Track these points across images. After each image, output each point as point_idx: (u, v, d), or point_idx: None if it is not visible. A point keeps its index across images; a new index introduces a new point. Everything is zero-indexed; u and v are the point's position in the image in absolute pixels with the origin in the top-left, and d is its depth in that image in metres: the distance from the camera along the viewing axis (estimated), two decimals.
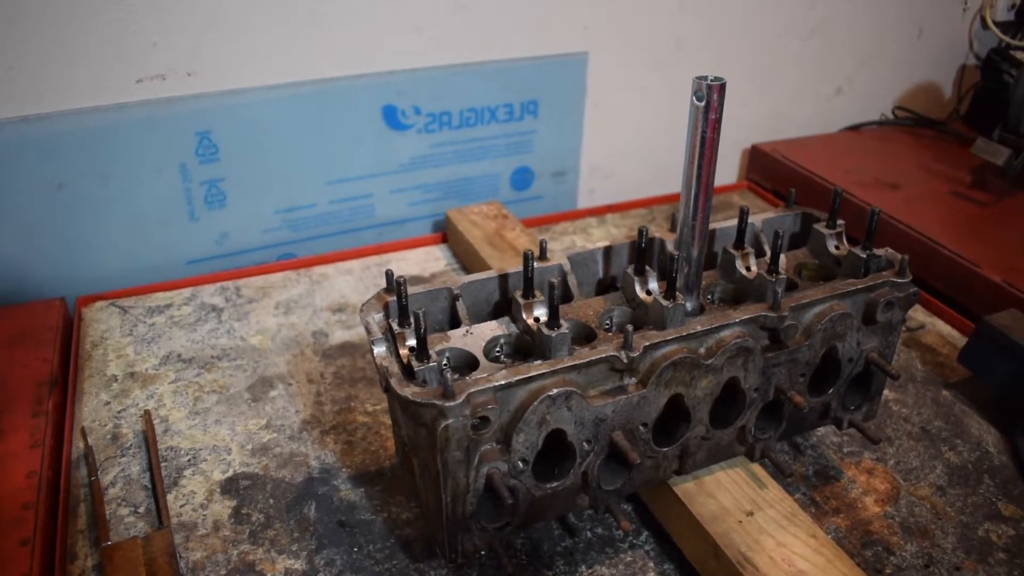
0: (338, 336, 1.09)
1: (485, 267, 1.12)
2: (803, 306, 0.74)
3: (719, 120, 0.66)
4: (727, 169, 1.65)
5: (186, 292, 1.16)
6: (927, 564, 0.80)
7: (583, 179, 1.48)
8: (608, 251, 0.82)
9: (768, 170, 1.57)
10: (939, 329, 1.16)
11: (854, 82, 1.70)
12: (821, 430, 0.95)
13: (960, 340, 1.12)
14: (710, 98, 0.65)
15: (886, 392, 1.02)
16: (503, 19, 1.27)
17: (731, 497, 0.76)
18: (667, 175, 1.46)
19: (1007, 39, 1.73)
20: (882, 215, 1.32)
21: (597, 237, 1.35)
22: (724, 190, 1.55)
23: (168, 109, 1.12)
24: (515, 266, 0.76)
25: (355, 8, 1.17)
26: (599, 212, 1.43)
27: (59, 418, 0.94)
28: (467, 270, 1.23)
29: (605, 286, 0.83)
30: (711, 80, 0.64)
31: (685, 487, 0.77)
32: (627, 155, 1.49)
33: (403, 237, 1.34)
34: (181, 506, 0.83)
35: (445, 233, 1.33)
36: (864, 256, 0.78)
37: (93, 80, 1.08)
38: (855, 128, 1.72)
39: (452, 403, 0.61)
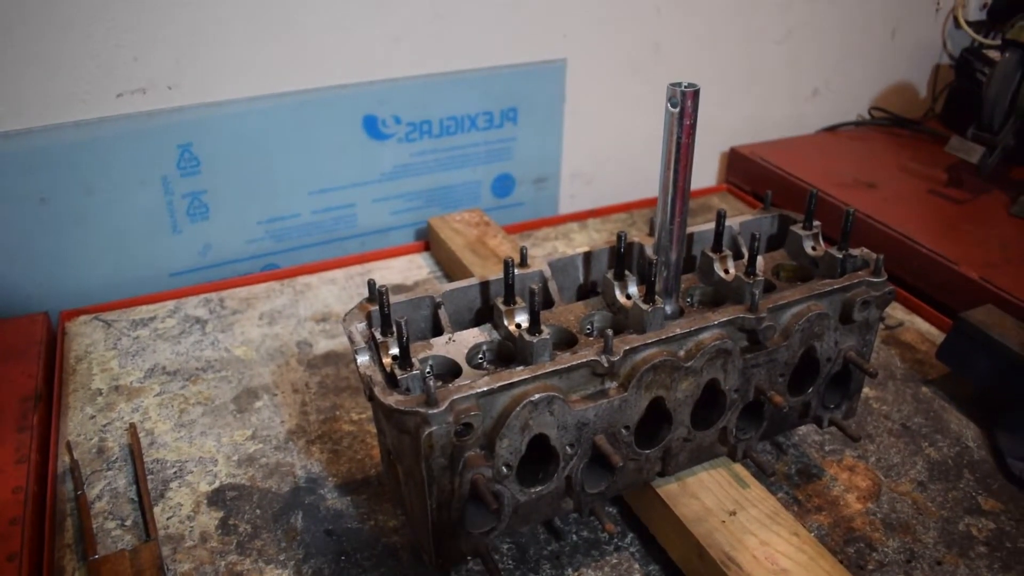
0: (322, 346, 1.09)
1: (467, 274, 1.12)
2: (780, 307, 0.75)
3: (694, 126, 0.67)
4: (707, 172, 1.67)
5: (170, 304, 1.17)
6: (909, 559, 0.81)
7: (564, 185, 1.49)
8: (588, 257, 0.83)
9: (747, 172, 1.58)
10: (918, 326, 1.17)
11: (830, 83, 1.72)
12: (803, 429, 0.96)
13: (939, 337, 1.13)
14: (684, 104, 0.66)
15: (867, 390, 1.03)
16: (481, 28, 1.28)
17: (714, 497, 0.77)
18: (647, 179, 1.48)
19: (979, 38, 1.75)
20: (860, 214, 1.34)
21: (579, 242, 1.36)
22: (704, 193, 1.57)
23: (149, 123, 1.12)
24: (497, 273, 0.77)
25: (334, 19, 1.18)
26: (580, 217, 1.44)
27: (44, 433, 0.94)
28: (450, 278, 1.23)
29: (586, 291, 0.84)
30: (685, 87, 0.65)
31: (668, 488, 0.78)
32: (607, 160, 1.51)
33: (386, 246, 1.34)
34: (168, 518, 0.83)
35: (428, 241, 1.33)
36: (840, 256, 0.79)
37: (74, 95, 1.08)
38: (832, 129, 1.74)
39: (435, 410, 0.61)
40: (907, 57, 1.80)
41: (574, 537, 0.82)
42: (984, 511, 0.87)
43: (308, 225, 1.29)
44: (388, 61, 1.24)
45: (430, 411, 0.61)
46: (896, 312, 1.20)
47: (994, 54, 1.61)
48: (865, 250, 0.82)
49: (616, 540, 0.82)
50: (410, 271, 1.27)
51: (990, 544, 0.83)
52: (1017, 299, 1.12)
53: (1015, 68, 1.36)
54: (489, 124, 1.34)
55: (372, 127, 1.26)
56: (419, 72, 1.26)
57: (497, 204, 1.43)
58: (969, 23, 1.76)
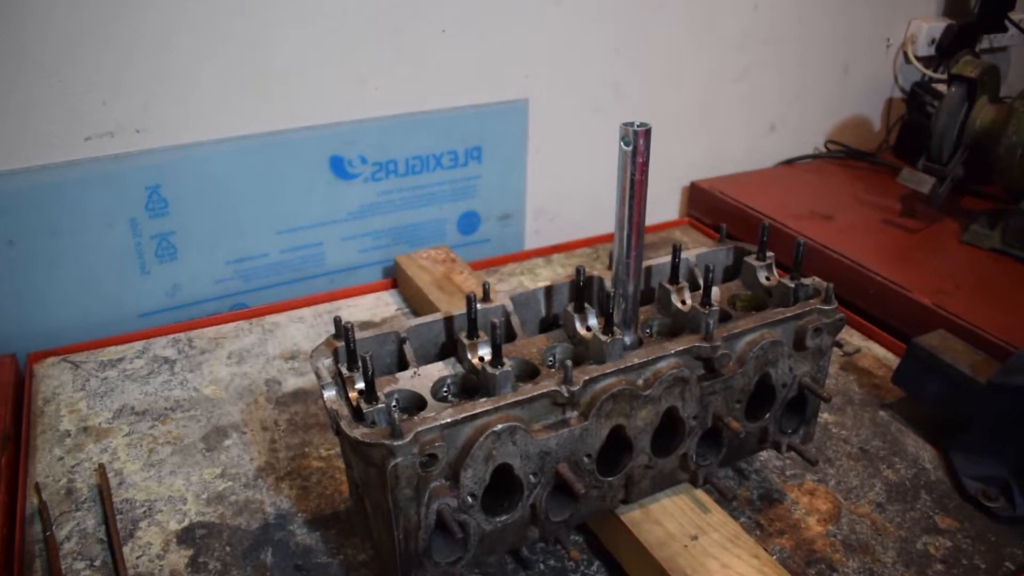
0: (291, 383, 1.10)
1: (434, 311, 1.14)
2: (735, 335, 0.77)
3: (646, 163, 0.70)
4: (668, 206, 1.70)
5: (138, 345, 1.17)
6: None
7: (529, 221, 1.52)
8: (549, 290, 0.85)
9: (707, 206, 1.62)
10: (875, 352, 1.20)
11: (787, 119, 1.76)
12: (764, 455, 0.98)
13: (895, 362, 1.16)
14: (637, 143, 0.69)
15: (826, 415, 1.06)
16: (445, 69, 1.31)
17: (676, 523, 0.79)
18: (609, 214, 1.47)
19: (928, 72, 1.81)
20: (817, 245, 1.38)
21: (544, 277, 1.39)
22: (666, 226, 1.60)
23: (117, 165, 1.13)
24: (462, 308, 0.79)
25: (300, 61, 1.20)
26: (545, 252, 1.47)
27: (12, 475, 0.94)
28: (417, 314, 1.25)
29: (548, 324, 0.86)
30: (637, 126, 0.68)
31: (632, 515, 0.80)
32: (570, 196, 1.54)
33: (354, 284, 1.36)
34: (137, 557, 0.83)
35: (395, 279, 1.35)
36: (792, 286, 0.82)
37: (42, 139, 1.09)
38: (789, 163, 1.78)
39: (400, 442, 0.63)
40: (860, 92, 1.86)
41: (541, 566, 0.83)
42: (941, 530, 0.89)
43: (276, 264, 1.31)
44: (354, 102, 1.26)
45: (395, 443, 0.63)
46: (853, 339, 1.23)
47: (943, 87, 1.67)
48: (816, 279, 0.85)
49: (583, 567, 0.84)
50: (378, 308, 1.29)
51: (947, 562, 0.85)
52: (968, 323, 1.16)
53: (960, 101, 1.41)
54: (454, 163, 1.37)
55: (339, 167, 1.28)
56: (384, 113, 1.28)
57: (463, 241, 1.45)
58: (918, 58, 1.82)
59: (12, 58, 1.03)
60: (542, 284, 0.85)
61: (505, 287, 1.32)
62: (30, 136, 1.08)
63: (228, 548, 0.85)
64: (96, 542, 0.85)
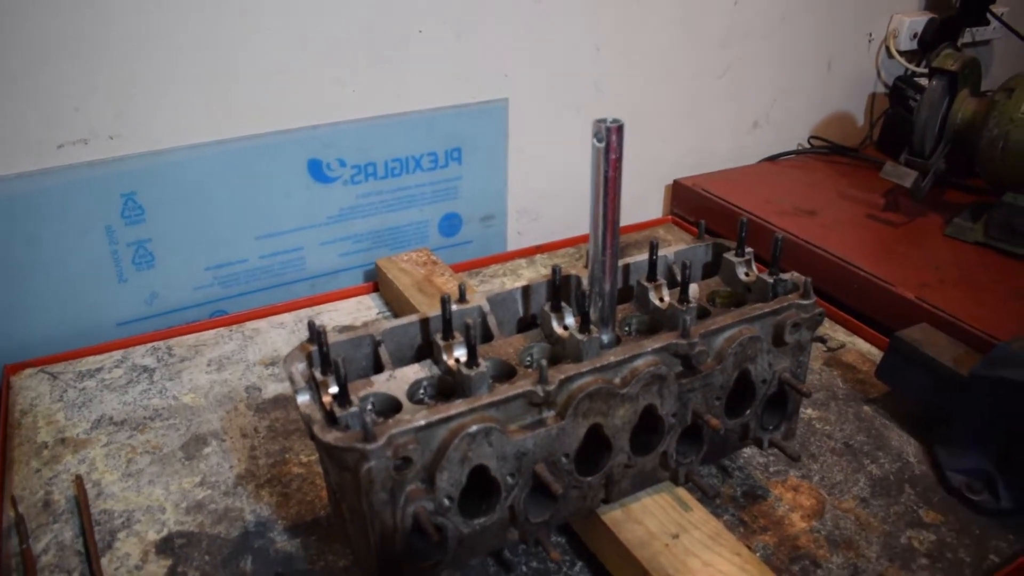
0: (271, 390, 1.09)
1: (414, 313, 1.13)
2: (713, 332, 0.77)
3: (620, 160, 0.69)
4: (652, 204, 1.70)
5: (117, 355, 1.16)
6: (853, 574, 0.82)
7: (511, 222, 1.51)
8: (527, 290, 0.85)
9: (691, 203, 1.62)
10: (859, 347, 1.20)
11: (770, 116, 1.76)
12: (748, 452, 0.97)
13: (879, 356, 1.15)
14: (609, 139, 0.68)
15: (810, 410, 1.05)
16: (423, 70, 1.31)
17: (657, 521, 0.78)
18: None
19: (911, 67, 1.81)
20: (800, 240, 1.37)
21: (527, 278, 1.38)
22: (649, 225, 1.60)
23: (92, 173, 1.12)
24: (439, 311, 0.78)
25: (276, 64, 1.19)
26: (528, 253, 1.46)
27: None
28: (399, 317, 1.24)
29: (526, 324, 0.86)
30: (610, 122, 0.68)
31: (613, 515, 0.79)
32: (552, 196, 1.53)
33: (335, 288, 1.35)
34: (116, 568, 0.82)
35: (376, 282, 1.34)
36: (771, 281, 0.82)
37: (14, 147, 1.08)
38: (773, 159, 1.78)
39: (373, 445, 0.62)
40: (843, 87, 1.86)
41: (523, 568, 0.83)
42: (925, 523, 0.89)
43: (256, 270, 1.30)
44: (331, 105, 1.25)
45: (368, 446, 0.62)
46: (837, 334, 1.23)
47: (925, 81, 1.67)
48: (795, 274, 0.84)
49: (565, 568, 0.83)
50: (359, 312, 1.28)
51: (931, 555, 0.85)
52: (952, 316, 1.16)
53: (941, 95, 1.41)
54: (434, 164, 1.36)
55: (317, 171, 1.27)
56: (362, 115, 1.28)
57: (445, 243, 1.45)
58: (901, 52, 1.82)
59: None
60: (519, 284, 0.85)
61: (487, 288, 1.31)
62: (1, 145, 1.07)
63: (207, 557, 0.84)
64: (74, 554, 0.84)
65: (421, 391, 0.74)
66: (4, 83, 1.04)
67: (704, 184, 1.61)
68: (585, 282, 0.82)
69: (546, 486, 0.70)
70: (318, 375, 0.70)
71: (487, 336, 0.81)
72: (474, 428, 0.65)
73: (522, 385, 0.69)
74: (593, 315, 0.75)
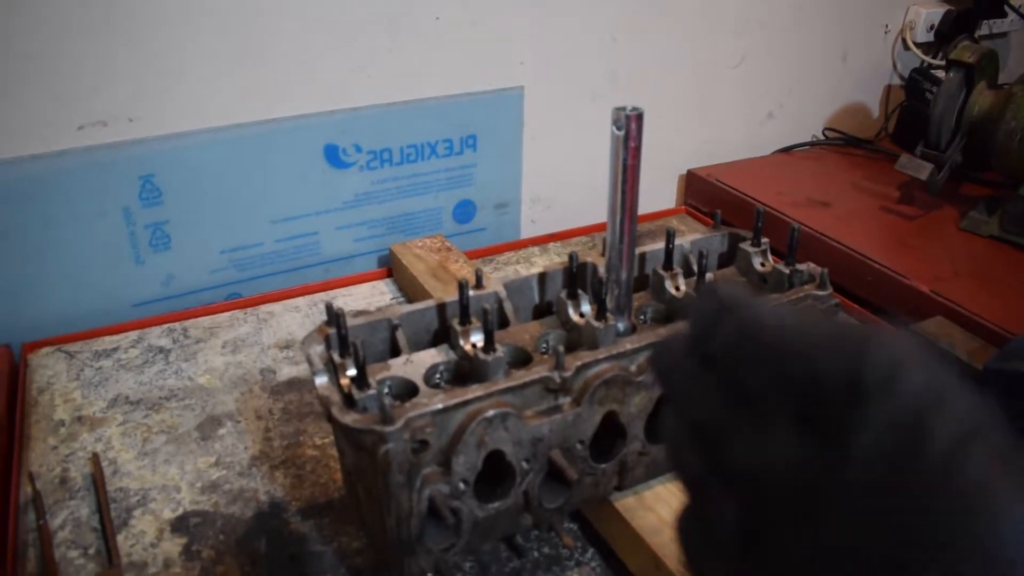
0: (286, 372, 1.10)
1: (429, 299, 1.14)
2: None
3: (639, 148, 0.69)
4: (666, 194, 1.70)
5: (133, 335, 1.17)
6: None
7: (525, 210, 1.51)
8: (543, 277, 0.85)
9: (704, 194, 1.62)
10: None
11: (784, 107, 1.76)
12: None
13: None
14: (629, 127, 0.68)
15: None
16: (440, 57, 1.31)
17: (670, 509, 0.79)
18: (606, 202, 1.50)
19: (927, 59, 1.80)
20: (815, 232, 1.37)
21: (540, 265, 1.38)
22: (663, 215, 1.59)
23: (110, 155, 1.13)
24: (455, 295, 0.79)
25: (294, 50, 1.20)
26: (542, 241, 1.46)
27: (6, 464, 0.94)
28: (412, 303, 1.25)
29: (542, 311, 0.86)
30: (630, 110, 0.68)
31: (625, 502, 0.80)
32: (567, 185, 1.53)
33: (349, 273, 1.36)
34: (131, 546, 0.83)
35: (390, 268, 1.35)
36: (787, 272, 0.82)
37: (34, 128, 1.09)
38: (787, 150, 1.78)
39: (391, 428, 0.62)
40: (859, 79, 1.85)
41: (535, 554, 0.83)
42: None
43: (271, 254, 1.30)
44: (348, 91, 1.26)
45: (386, 428, 0.62)
46: None
47: (942, 74, 1.66)
48: (811, 265, 0.84)
49: (577, 555, 0.83)
50: (373, 297, 1.29)
51: None
52: (966, 310, 1.15)
53: (959, 87, 1.40)
54: (449, 151, 1.36)
55: (333, 156, 1.27)
56: (379, 101, 1.28)
57: (459, 230, 1.45)
58: (917, 44, 1.81)
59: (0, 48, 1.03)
60: (536, 271, 0.85)
61: (501, 275, 1.31)
62: (20, 126, 1.07)
63: (222, 536, 0.85)
64: (90, 531, 0.85)
65: (437, 376, 0.75)
66: (23, 63, 1.05)
67: (718, 175, 1.61)
68: (601, 270, 0.82)
69: (561, 472, 0.70)
70: (336, 357, 0.71)
71: (503, 322, 0.81)
72: (491, 413, 0.66)
73: (539, 371, 0.69)
74: (609, 303, 0.75)
